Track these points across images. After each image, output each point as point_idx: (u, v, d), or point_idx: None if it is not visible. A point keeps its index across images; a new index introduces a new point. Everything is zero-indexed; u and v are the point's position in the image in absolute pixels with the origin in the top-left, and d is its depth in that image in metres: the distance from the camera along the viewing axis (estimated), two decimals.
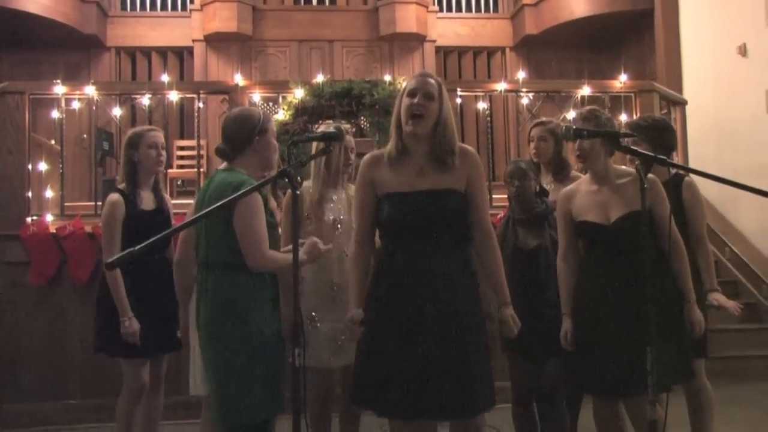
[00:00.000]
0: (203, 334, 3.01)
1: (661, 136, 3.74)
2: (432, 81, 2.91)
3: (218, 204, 2.38)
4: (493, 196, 6.47)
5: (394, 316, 2.82)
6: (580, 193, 3.41)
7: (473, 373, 2.80)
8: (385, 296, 2.87)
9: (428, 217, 2.85)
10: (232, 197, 2.50)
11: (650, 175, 3.10)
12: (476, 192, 2.97)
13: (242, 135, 3.08)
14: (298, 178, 2.44)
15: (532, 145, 4.25)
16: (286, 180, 2.40)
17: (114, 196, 3.93)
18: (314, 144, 3.44)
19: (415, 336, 2.78)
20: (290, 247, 3.18)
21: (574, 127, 2.80)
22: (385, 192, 2.92)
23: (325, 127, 3.71)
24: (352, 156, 3.82)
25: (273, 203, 3.80)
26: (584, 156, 3.26)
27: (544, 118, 4.55)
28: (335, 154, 3.70)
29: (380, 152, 3.03)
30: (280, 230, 3.79)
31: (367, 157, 3.04)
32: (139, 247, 1.92)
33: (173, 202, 4.37)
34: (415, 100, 2.85)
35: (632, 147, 2.64)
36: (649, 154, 2.58)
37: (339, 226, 3.71)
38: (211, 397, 3.03)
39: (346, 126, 3.69)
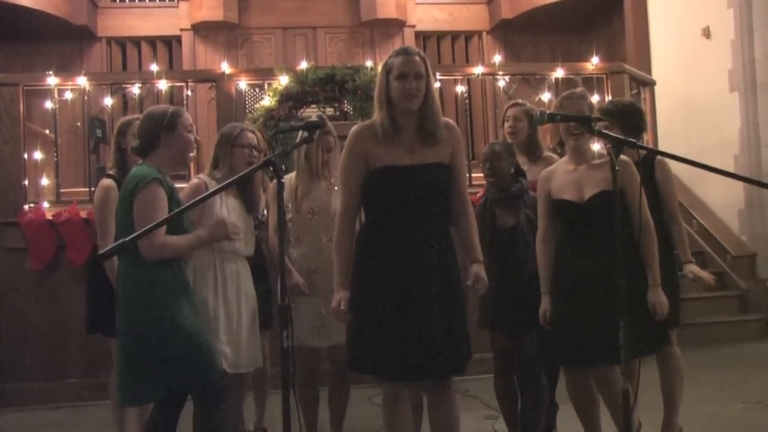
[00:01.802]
0: (117, 319, 3.02)
1: (630, 120, 3.74)
2: (418, 59, 2.87)
3: (194, 201, 2.34)
4: (473, 175, 6.47)
5: (386, 286, 2.83)
6: (558, 173, 3.42)
7: (461, 332, 2.90)
8: (376, 267, 2.87)
9: (421, 189, 2.86)
10: (210, 192, 2.46)
11: (624, 158, 3.11)
12: (458, 164, 3.01)
13: (150, 132, 3.08)
14: (283, 167, 2.41)
15: (507, 124, 4.23)
16: (271, 169, 2.37)
17: (106, 181, 3.90)
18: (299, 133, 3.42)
19: (409, 302, 2.81)
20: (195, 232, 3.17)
21: (547, 111, 2.78)
22: (377, 165, 2.89)
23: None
24: (329, 155, 3.81)
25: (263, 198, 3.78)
26: (574, 144, 3.27)
27: (519, 100, 4.54)
28: (314, 150, 3.69)
29: (369, 124, 2.97)
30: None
31: (356, 128, 2.98)
32: (129, 237, 1.90)
33: None
34: (408, 84, 2.82)
35: (603, 131, 2.63)
36: (619, 137, 2.58)
37: (315, 215, 3.75)
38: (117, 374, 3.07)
39: (328, 123, 3.64)
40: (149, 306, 2.91)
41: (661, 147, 7.71)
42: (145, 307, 2.91)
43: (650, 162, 3.73)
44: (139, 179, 2.93)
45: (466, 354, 2.92)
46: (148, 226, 2.09)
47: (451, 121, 3.04)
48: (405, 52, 2.90)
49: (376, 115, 2.94)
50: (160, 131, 3.06)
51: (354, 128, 2.99)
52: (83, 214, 5.59)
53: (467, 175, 3.12)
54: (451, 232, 3.01)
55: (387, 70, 2.90)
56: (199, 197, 2.57)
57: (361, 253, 2.95)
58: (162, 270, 2.96)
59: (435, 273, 2.85)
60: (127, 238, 1.90)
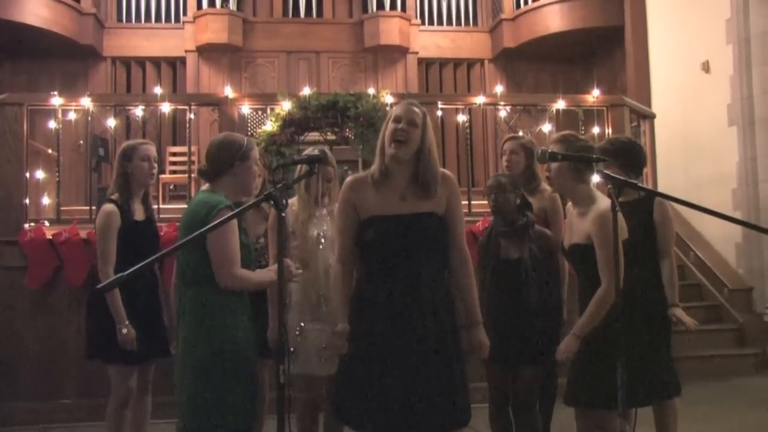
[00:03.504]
0: (181, 348, 2.99)
1: (629, 158, 3.69)
2: (416, 110, 2.87)
3: (203, 230, 2.33)
4: (472, 202, 6.49)
5: (376, 337, 2.79)
6: (568, 213, 3.40)
7: (455, 389, 2.80)
8: (367, 317, 2.84)
9: (409, 239, 2.82)
10: (217, 222, 2.45)
11: (602, 211, 3.05)
12: (455, 216, 2.96)
13: (223, 159, 3.05)
14: (284, 200, 2.39)
15: (504, 158, 4.27)
16: (272, 203, 2.35)
17: (109, 206, 3.87)
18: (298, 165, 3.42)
19: (398, 355, 2.75)
20: (269, 267, 3.16)
21: (549, 150, 2.78)
22: (367, 215, 2.88)
23: (310, 150, 3.67)
24: (329, 185, 3.80)
25: (264, 225, 3.76)
26: (551, 177, 3.26)
27: (519, 133, 4.56)
28: (314, 181, 3.69)
29: (363, 175, 2.99)
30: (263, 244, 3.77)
31: (349, 179, 3.00)
32: (128, 272, 1.89)
33: (166, 207, 4.37)
34: (399, 126, 2.82)
35: (605, 171, 2.63)
36: (621, 178, 2.57)
37: (323, 240, 3.71)
38: (180, 406, 3.00)
39: (329, 155, 3.64)
40: (219, 336, 2.88)
41: (660, 180, 7.73)
42: (215, 337, 2.88)
43: (649, 201, 3.70)
44: (211, 206, 2.90)
45: (463, 408, 2.84)
46: (151, 258, 2.07)
47: (448, 172, 3.02)
48: (408, 102, 2.94)
49: (374, 164, 2.97)
50: (235, 159, 3.05)
51: (347, 179, 3.01)
52: (83, 234, 5.57)
53: (464, 225, 3.06)
54: (447, 281, 2.96)
55: (388, 118, 2.93)
56: (220, 219, 2.51)
57: (355, 302, 2.92)
58: (233, 299, 2.94)
59: (427, 324, 2.79)
60: (124, 273, 1.88)
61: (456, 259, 2.96)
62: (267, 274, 3.06)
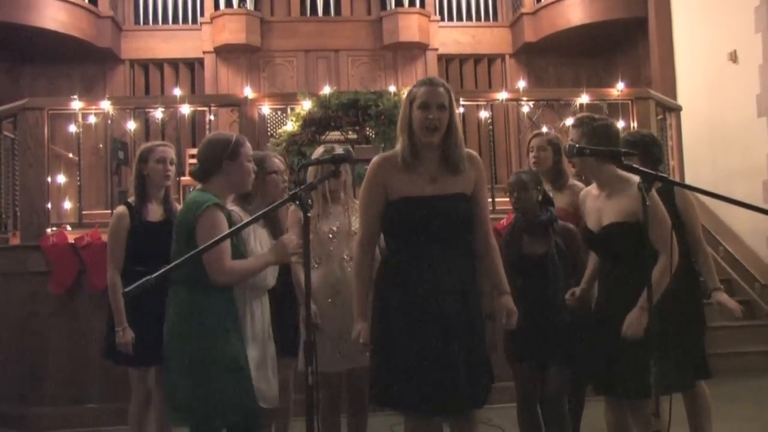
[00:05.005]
0: (166, 344, 3.02)
1: (649, 151, 3.75)
2: (442, 90, 2.86)
3: (222, 235, 2.34)
4: (496, 199, 6.46)
5: (407, 318, 2.81)
6: (589, 197, 3.40)
7: (484, 366, 2.88)
8: (397, 299, 2.85)
9: (441, 220, 2.84)
10: (249, 220, 2.45)
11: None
12: (480, 194, 3.00)
13: (211, 159, 3.09)
14: (309, 201, 2.40)
15: (532, 155, 4.28)
16: (297, 203, 2.36)
17: (120, 209, 3.98)
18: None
19: (431, 336, 2.78)
20: (262, 253, 3.16)
21: (576, 145, 2.77)
22: (397, 196, 2.88)
23: (322, 148, 3.69)
24: (341, 179, 3.82)
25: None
26: (579, 169, 3.26)
27: (544, 129, 4.55)
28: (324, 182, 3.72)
29: (391, 155, 2.98)
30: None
31: (377, 159, 2.99)
32: (154, 275, 1.91)
33: None
34: (430, 115, 2.82)
35: (634, 165, 2.62)
36: (651, 172, 2.56)
37: (335, 235, 3.75)
38: (164, 398, 3.05)
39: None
40: (202, 335, 2.91)
41: (687, 173, 7.65)
42: (198, 336, 2.91)
43: (670, 190, 3.69)
44: (198, 205, 2.95)
45: (488, 385, 2.91)
46: (174, 263, 2.09)
47: (474, 152, 3.03)
48: (429, 82, 2.91)
49: (398, 144, 2.95)
50: (223, 158, 3.08)
51: (375, 159, 3.00)
52: (105, 238, 5.60)
53: (489, 204, 3.09)
54: (473, 262, 2.98)
55: (411, 99, 2.91)
56: (236, 227, 2.54)
57: (382, 284, 2.94)
58: (217, 299, 2.97)
59: (457, 306, 2.82)
60: (152, 276, 1.90)
61: (481, 237, 2.99)
62: (260, 258, 3.12)
